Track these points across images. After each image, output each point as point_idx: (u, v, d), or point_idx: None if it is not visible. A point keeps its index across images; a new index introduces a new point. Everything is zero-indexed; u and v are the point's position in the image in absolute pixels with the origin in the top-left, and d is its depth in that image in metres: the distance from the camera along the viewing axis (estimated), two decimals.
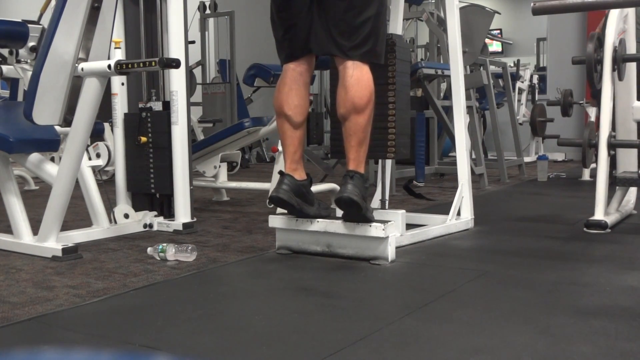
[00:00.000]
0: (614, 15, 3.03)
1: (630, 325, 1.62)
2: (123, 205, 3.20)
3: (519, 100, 7.48)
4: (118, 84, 3.25)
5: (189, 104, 3.15)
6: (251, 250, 2.62)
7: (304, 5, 2.37)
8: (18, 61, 3.35)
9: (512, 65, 7.34)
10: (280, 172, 2.46)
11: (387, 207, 2.88)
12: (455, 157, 3.22)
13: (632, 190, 3.42)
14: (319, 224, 2.41)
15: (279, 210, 2.59)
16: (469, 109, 4.67)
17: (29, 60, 3.34)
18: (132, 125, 3.26)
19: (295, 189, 2.40)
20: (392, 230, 2.36)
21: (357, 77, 2.33)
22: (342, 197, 2.27)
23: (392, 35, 2.59)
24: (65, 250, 2.47)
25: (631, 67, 3.22)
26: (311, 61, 2.48)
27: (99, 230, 2.92)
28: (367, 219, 2.34)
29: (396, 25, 3.07)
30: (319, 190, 3.79)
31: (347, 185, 2.28)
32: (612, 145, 3.03)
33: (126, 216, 3.10)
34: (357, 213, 2.31)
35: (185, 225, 3.05)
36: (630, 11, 3.22)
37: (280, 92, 2.46)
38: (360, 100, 2.32)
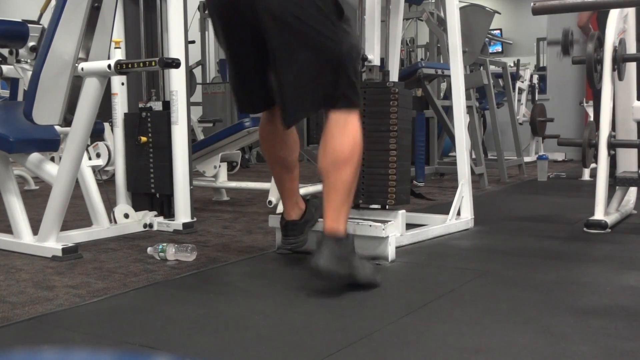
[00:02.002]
0: (614, 15, 3.03)
1: (630, 325, 1.62)
2: (123, 205, 3.20)
3: (519, 100, 7.48)
4: (118, 83, 3.25)
5: (189, 104, 3.15)
6: (251, 250, 2.62)
7: (254, 69, 2.13)
8: (18, 61, 3.35)
9: (512, 65, 7.34)
10: (285, 224, 2.33)
11: (387, 207, 2.88)
12: (455, 157, 3.22)
13: (632, 190, 3.42)
14: (319, 224, 2.41)
15: (279, 210, 2.60)
16: (469, 108, 4.67)
17: (29, 60, 3.34)
18: (132, 125, 3.26)
19: (301, 230, 2.33)
20: (392, 230, 2.36)
21: (342, 124, 2.01)
22: (314, 266, 1.89)
23: (394, 83, 2.60)
24: (65, 250, 2.47)
25: (631, 67, 3.22)
26: None
27: (99, 230, 2.92)
28: (363, 282, 1.96)
29: (396, 25, 3.06)
30: (318, 190, 3.79)
31: (319, 254, 1.90)
32: (612, 145, 3.03)
33: (126, 216, 3.10)
34: (344, 279, 1.94)
35: (185, 225, 3.05)
36: (630, 11, 3.22)
37: (267, 133, 2.27)
38: (341, 152, 1.98)
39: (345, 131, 2.00)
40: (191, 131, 3.33)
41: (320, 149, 2.04)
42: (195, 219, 3.18)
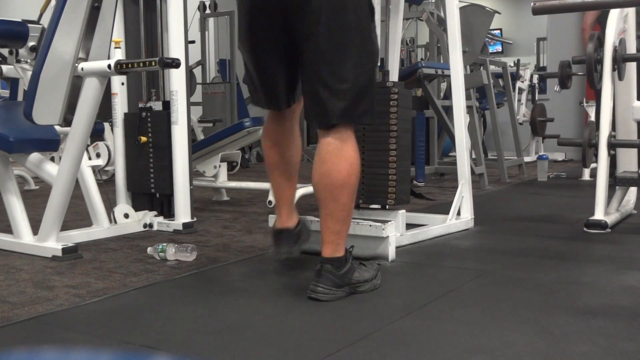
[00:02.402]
0: (614, 15, 3.03)
1: (630, 325, 1.62)
2: (123, 205, 3.20)
3: (519, 100, 7.48)
4: (118, 83, 3.25)
5: (189, 104, 3.15)
6: (251, 250, 2.62)
7: (280, 64, 2.01)
8: (18, 61, 3.35)
9: (512, 65, 7.33)
10: (279, 232, 2.19)
11: (387, 207, 2.88)
12: (455, 156, 3.22)
13: (632, 190, 3.42)
14: (319, 224, 2.41)
15: None
16: (469, 108, 4.67)
17: (29, 60, 3.33)
18: (132, 125, 3.26)
19: (296, 239, 2.21)
20: (392, 230, 2.36)
21: (337, 146, 1.90)
22: (315, 296, 1.88)
23: (394, 83, 2.60)
24: (65, 250, 2.47)
25: (631, 66, 3.22)
26: (296, 105, 2.13)
27: (99, 230, 2.92)
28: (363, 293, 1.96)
29: (396, 25, 3.07)
30: None
31: (317, 284, 1.88)
32: (612, 145, 3.03)
33: (126, 216, 3.10)
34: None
35: (185, 225, 3.05)
36: (630, 11, 3.22)
37: (272, 131, 2.16)
38: (344, 175, 1.88)
39: (344, 157, 1.90)
40: (191, 131, 3.33)
41: (313, 168, 1.93)
42: (195, 219, 3.18)
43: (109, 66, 2.40)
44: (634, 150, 3.26)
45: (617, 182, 3.09)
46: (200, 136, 6.58)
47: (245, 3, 1.99)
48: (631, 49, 3.18)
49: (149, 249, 2.50)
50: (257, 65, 2.04)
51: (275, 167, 2.16)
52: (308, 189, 3.65)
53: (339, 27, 1.86)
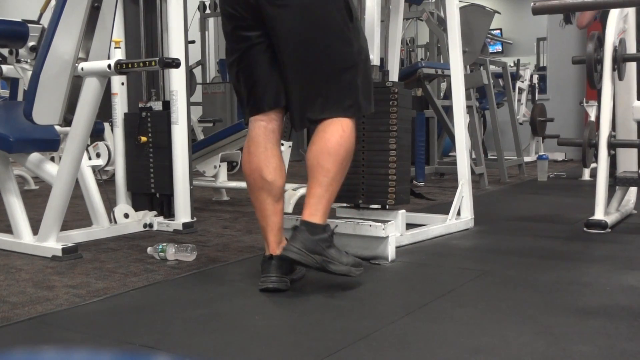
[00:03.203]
0: (614, 15, 3.03)
1: (630, 325, 1.62)
2: (123, 205, 3.20)
3: (519, 100, 7.48)
4: (118, 83, 3.25)
5: (189, 104, 3.15)
6: (251, 250, 2.62)
7: (267, 64, 2.05)
8: (18, 61, 3.35)
9: (512, 65, 7.34)
10: (269, 258, 2.02)
11: (387, 207, 2.88)
12: (455, 156, 3.22)
13: (632, 190, 3.42)
14: None
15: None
16: (469, 108, 4.67)
17: (29, 60, 3.33)
18: (132, 125, 3.26)
19: (286, 267, 2.03)
20: (392, 230, 2.36)
21: (333, 129, 2.00)
22: (285, 255, 1.92)
23: (394, 83, 2.60)
24: (65, 250, 2.47)
25: (631, 66, 3.22)
26: (282, 115, 2.13)
27: (99, 230, 2.93)
28: (336, 274, 1.97)
29: (396, 25, 3.07)
30: None
31: (290, 244, 1.93)
32: (612, 145, 3.03)
33: (126, 216, 3.10)
34: (315, 268, 1.96)
35: (185, 225, 3.05)
36: (630, 11, 3.22)
37: (253, 154, 2.06)
38: (333, 143, 1.98)
39: (336, 129, 2.00)
40: (191, 131, 3.33)
41: (309, 146, 2.03)
42: (195, 219, 3.18)
43: (109, 66, 2.41)
44: (634, 150, 3.26)
45: (617, 182, 3.09)
46: (200, 136, 6.58)
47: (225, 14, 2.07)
48: (631, 49, 3.18)
49: (149, 249, 2.50)
50: (249, 63, 2.08)
51: (260, 187, 2.05)
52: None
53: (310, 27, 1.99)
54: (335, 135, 1.99)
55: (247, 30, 2.04)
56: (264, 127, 2.08)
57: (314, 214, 1.97)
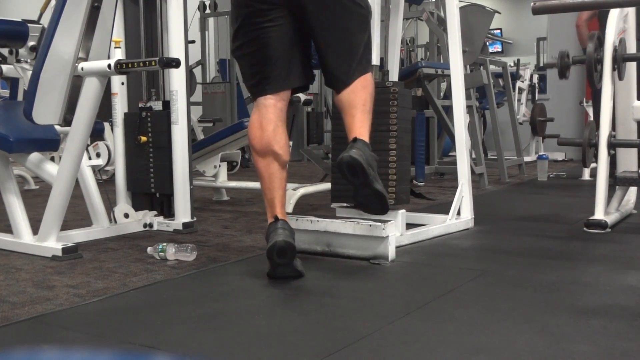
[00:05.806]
0: (614, 15, 3.03)
1: (630, 325, 1.62)
2: (123, 204, 3.20)
3: (519, 100, 7.48)
4: (118, 83, 3.24)
5: (189, 104, 3.15)
6: (251, 250, 2.62)
7: (287, 43, 2.19)
8: (18, 61, 3.35)
9: (512, 64, 7.34)
10: (274, 219, 2.13)
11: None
12: (455, 156, 3.22)
13: (632, 190, 3.42)
14: (319, 224, 2.42)
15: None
16: (469, 108, 4.67)
17: (29, 60, 3.34)
18: (132, 124, 3.26)
19: (292, 235, 2.12)
20: (392, 230, 2.36)
21: (362, 80, 2.22)
22: (342, 157, 2.02)
23: (394, 83, 2.60)
24: (65, 250, 2.47)
25: (631, 66, 3.22)
26: (289, 95, 2.27)
27: (99, 229, 2.92)
28: (377, 192, 2.10)
29: (396, 25, 3.07)
30: (318, 190, 3.79)
31: (350, 149, 2.04)
32: (612, 145, 3.03)
33: (126, 216, 3.10)
34: (364, 181, 2.06)
35: (185, 224, 3.05)
36: (630, 11, 3.22)
37: (265, 130, 2.18)
38: (364, 82, 2.20)
39: (363, 79, 2.21)
40: (191, 131, 3.33)
41: (338, 95, 2.21)
42: (195, 219, 3.18)
43: (109, 66, 2.41)
44: (634, 150, 3.26)
45: (617, 182, 3.09)
46: (200, 136, 6.57)
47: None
48: (631, 48, 3.18)
49: (149, 249, 2.50)
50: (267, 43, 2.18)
51: (270, 155, 2.17)
52: (308, 189, 3.66)
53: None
54: (362, 81, 2.20)
55: (270, 9, 2.14)
56: (273, 106, 2.20)
57: (364, 135, 2.12)
